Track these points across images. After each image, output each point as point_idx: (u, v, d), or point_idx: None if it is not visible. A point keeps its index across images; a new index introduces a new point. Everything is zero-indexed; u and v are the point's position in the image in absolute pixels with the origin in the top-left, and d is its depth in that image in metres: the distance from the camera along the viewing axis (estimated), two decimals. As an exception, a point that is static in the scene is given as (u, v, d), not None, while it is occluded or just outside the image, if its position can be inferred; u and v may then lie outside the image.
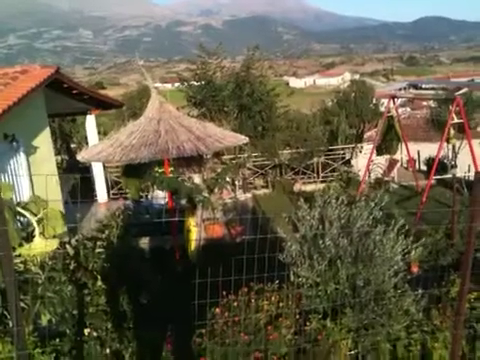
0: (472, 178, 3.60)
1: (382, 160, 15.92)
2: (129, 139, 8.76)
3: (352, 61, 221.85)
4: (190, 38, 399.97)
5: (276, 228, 6.03)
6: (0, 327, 4.32)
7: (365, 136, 21.48)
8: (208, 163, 11.02)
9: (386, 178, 15.53)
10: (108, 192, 15.15)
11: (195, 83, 18.05)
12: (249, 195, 15.31)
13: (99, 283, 5.29)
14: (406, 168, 18.06)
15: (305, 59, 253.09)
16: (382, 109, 21.21)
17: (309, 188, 15.96)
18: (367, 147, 17.56)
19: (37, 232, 3.04)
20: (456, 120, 12.01)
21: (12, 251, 2.76)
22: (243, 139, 9.84)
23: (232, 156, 15.90)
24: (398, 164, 16.87)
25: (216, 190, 10.29)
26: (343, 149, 19.02)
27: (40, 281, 4.71)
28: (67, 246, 5.46)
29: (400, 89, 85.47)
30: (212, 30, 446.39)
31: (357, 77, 74.56)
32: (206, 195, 9.74)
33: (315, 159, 17.94)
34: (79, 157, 9.63)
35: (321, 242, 5.23)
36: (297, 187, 16.47)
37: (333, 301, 4.97)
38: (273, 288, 5.41)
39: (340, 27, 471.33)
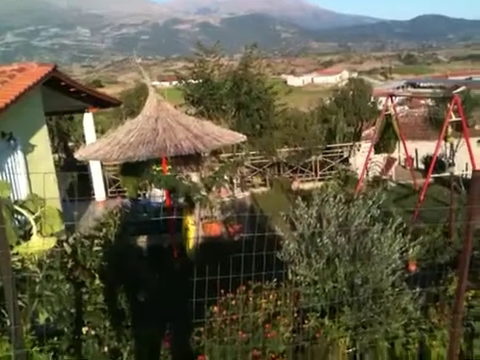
0: (470, 176, 3.62)
1: (380, 158, 15.92)
2: (127, 137, 8.75)
3: (350, 59, 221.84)
4: (188, 36, 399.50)
5: (274, 226, 6.03)
6: (-2, 326, 4.31)
7: (363, 134, 21.48)
8: (206, 161, 11.02)
9: (384, 176, 15.54)
10: (106, 190, 15.14)
11: (193, 81, 18.04)
12: (247, 193, 15.32)
13: (97, 281, 5.28)
14: (404, 166, 18.08)
15: (303, 57, 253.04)
16: (380, 107, 21.18)
17: (307, 186, 15.96)
18: (365, 145, 17.56)
19: (34, 230, 3.03)
20: (454, 118, 12.03)
21: (9, 249, 2.75)
22: (241, 137, 9.84)
23: (230, 154, 15.89)
24: (396, 162, 16.87)
25: (214, 188, 10.29)
26: (341, 147, 19.02)
27: (38, 279, 4.70)
28: (65, 244, 5.45)
29: (398, 87, 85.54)
30: (210, 28, 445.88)
31: (355, 75, 74.67)
32: (204, 193, 9.74)
33: (313, 157, 17.94)
34: (77, 155, 9.61)
35: (319, 240, 5.24)
36: (295, 185, 16.47)
37: (331, 299, 4.97)
38: (271, 286, 5.41)
39: (338, 25, 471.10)
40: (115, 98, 16.52)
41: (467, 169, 14.00)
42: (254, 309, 5.07)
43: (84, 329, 4.89)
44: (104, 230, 7.76)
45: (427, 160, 17.01)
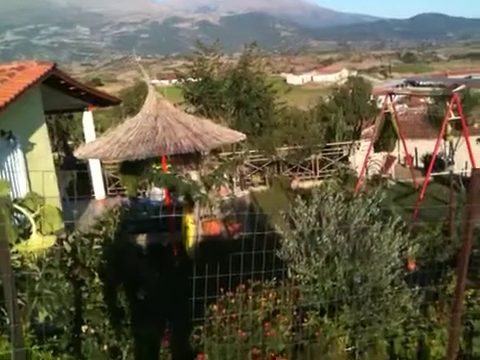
0: (469, 175, 3.61)
1: (379, 157, 15.92)
2: (126, 136, 8.75)
3: (349, 58, 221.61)
4: (187, 35, 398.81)
5: (273, 225, 6.03)
6: (-3, 324, 4.31)
7: (362, 133, 21.48)
8: (205, 160, 11.01)
9: (383, 175, 15.55)
10: (105, 189, 15.13)
11: (192, 80, 18.03)
12: (246, 192, 15.32)
13: (96, 280, 5.28)
14: (403, 165, 18.07)
15: (302, 56, 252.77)
16: (379, 106, 21.19)
17: (307, 185, 15.97)
18: (364, 144, 17.57)
19: (34, 229, 3.02)
20: (453, 117, 12.03)
21: (9, 248, 2.75)
22: (240, 136, 9.84)
23: (229, 153, 15.89)
24: (395, 161, 16.87)
25: (213, 187, 10.30)
26: (340, 146, 19.02)
27: (37, 278, 4.70)
28: (64, 243, 5.45)
29: (397, 86, 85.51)
30: (209, 27, 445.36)
31: (355, 74, 74.66)
32: (203, 192, 9.74)
33: (312, 156, 17.94)
34: (76, 154, 9.61)
35: (318, 239, 5.24)
36: (295, 184, 16.48)
37: (330, 298, 4.98)
38: (271, 285, 5.42)
39: (337, 24, 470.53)
40: (115, 97, 16.51)
41: (467, 167, 13.99)
42: (254, 308, 5.07)
43: (84, 328, 4.89)
44: (104, 229, 7.77)
45: (427, 159, 17.00)
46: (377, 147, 14.46)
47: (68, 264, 5.34)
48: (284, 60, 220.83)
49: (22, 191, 9.27)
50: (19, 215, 3.10)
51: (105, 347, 4.75)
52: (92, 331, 4.87)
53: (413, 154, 18.74)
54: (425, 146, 17.52)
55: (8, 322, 2.80)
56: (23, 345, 2.87)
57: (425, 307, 5.10)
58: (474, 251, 5.72)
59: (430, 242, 7.70)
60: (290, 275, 5.25)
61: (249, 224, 9.24)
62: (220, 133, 9.20)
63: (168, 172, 9.49)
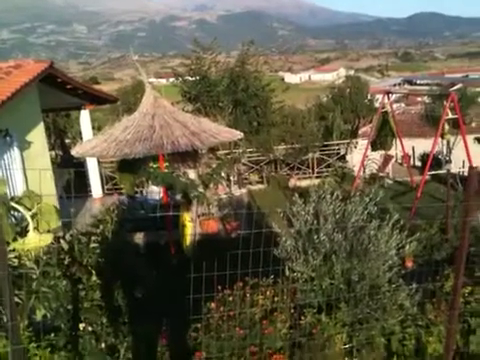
0: (466, 173, 3.62)
1: (377, 156, 15.94)
2: (124, 134, 8.74)
3: (347, 57, 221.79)
4: (185, 33, 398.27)
5: (271, 223, 6.04)
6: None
7: (360, 132, 21.52)
8: (203, 158, 11.01)
9: (381, 174, 15.56)
10: (103, 187, 15.12)
11: (190, 78, 18.01)
12: (244, 190, 15.32)
13: (94, 278, 5.28)
14: (401, 164, 18.09)
15: (300, 55, 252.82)
16: (377, 105, 21.21)
17: (304, 183, 15.97)
18: (362, 143, 17.59)
19: (31, 227, 3.02)
20: (450, 116, 12.05)
21: (6, 246, 2.75)
22: (238, 134, 9.84)
23: (227, 151, 15.89)
24: (393, 160, 16.88)
25: (211, 185, 10.29)
26: (338, 145, 19.05)
27: (35, 276, 4.70)
28: (61, 241, 5.45)
29: (395, 85, 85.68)
30: (207, 25, 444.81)
31: (352, 73, 74.55)
32: (201, 190, 9.73)
33: (310, 154, 17.96)
34: (73, 152, 9.60)
35: (316, 237, 5.25)
36: (292, 183, 16.48)
37: (328, 296, 4.98)
38: (268, 283, 5.43)
39: (335, 23, 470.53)
40: (112, 95, 16.47)
41: (464, 166, 14.02)
42: (251, 305, 5.08)
43: (81, 325, 4.89)
44: (101, 227, 7.75)
45: (424, 157, 17.03)
46: (374, 146, 14.47)
47: (65, 262, 5.34)
48: (282, 59, 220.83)
49: (19, 189, 9.26)
50: (16, 213, 3.11)
51: (102, 345, 4.75)
52: (89, 329, 4.87)
53: (410, 153, 18.77)
54: (422, 145, 17.55)
55: (5, 320, 2.79)
56: (21, 343, 2.87)
57: (422, 305, 5.11)
58: (471, 249, 5.72)
59: (427, 240, 7.71)
60: (288, 273, 5.26)
61: (247, 222, 9.26)
62: (217, 131, 9.20)
63: (165, 170, 9.48)
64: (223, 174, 11.42)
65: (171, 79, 20.11)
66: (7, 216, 2.96)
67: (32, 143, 10.25)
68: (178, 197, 10.09)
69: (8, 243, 2.90)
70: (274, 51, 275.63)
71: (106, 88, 40.80)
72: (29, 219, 3.01)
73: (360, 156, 14.85)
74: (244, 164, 17.52)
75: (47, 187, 9.99)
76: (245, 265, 4.15)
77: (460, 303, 4.39)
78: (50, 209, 3.17)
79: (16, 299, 4.14)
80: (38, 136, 10.71)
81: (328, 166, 17.65)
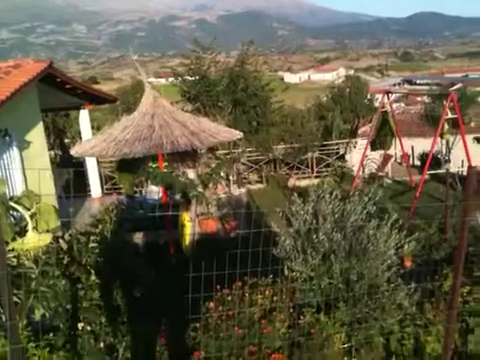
0: (465, 173, 3.62)
1: (376, 155, 15.95)
2: (123, 134, 8.74)
3: (347, 56, 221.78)
4: (184, 33, 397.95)
5: (270, 223, 6.04)
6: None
7: (359, 131, 21.53)
8: (202, 158, 11.02)
9: (380, 173, 15.56)
10: (102, 187, 15.12)
11: (189, 78, 18.00)
12: (243, 190, 15.32)
13: (93, 277, 5.28)
14: (400, 163, 18.10)
15: (300, 54, 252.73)
16: (376, 104, 21.21)
17: (303, 183, 15.98)
18: (361, 142, 17.60)
19: (30, 227, 3.02)
20: (450, 115, 12.06)
21: (5, 245, 2.75)
22: (237, 134, 9.84)
23: (226, 151, 15.89)
24: (392, 159, 16.88)
25: (210, 185, 10.28)
26: (337, 144, 19.05)
27: (33, 275, 4.70)
28: (60, 241, 5.45)
29: (394, 84, 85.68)
30: (206, 25, 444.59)
31: (352, 72, 74.52)
32: (200, 190, 9.73)
33: (309, 154, 17.97)
34: (73, 152, 9.61)
35: (315, 237, 5.25)
36: (291, 182, 16.49)
37: (327, 295, 4.99)
38: (267, 282, 5.43)
39: (334, 23, 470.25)
40: (111, 95, 16.46)
41: (463, 166, 14.04)
42: (250, 305, 5.08)
43: (80, 325, 4.89)
44: (100, 226, 7.76)
45: (423, 157, 17.03)
46: (374, 145, 14.48)
47: (64, 262, 5.34)
48: (281, 59, 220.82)
49: (18, 189, 9.25)
50: (15, 213, 3.10)
51: (101, 344, 4.75)
52: (88, 328, 4.87)
53: (410, 152, 18.78)
54: (422, 144, 17.55)
55: (4, 319, 2.79)
56: (19, 342, 2.87)
57: (421, 304, 5.12)
58: (470, 249, 5.73)
59: (426, 240, 7.72)
60: (286, 273, 5.26)
61: (246, 222, 9.25)
62: (217, 131, 9.20)
63: (165, 170, 9.48)
64: (222, 174, 11.41)
65: (170, 79, 20.10)
66: (6, 216, 2.96)
67: (31, 143, 10.25)
68: (177, 197, 10.09)
69: (7, 243, 2.90)
70: (274, 51, 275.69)
71: (105, 88, 40.82)
72: (28, 219, 3.01)
73: (359, 156, 14.85)
74: (243, 164, 17.53)
75: (46, 187, 9.99)
76: (244, 265, 4.15)
77: (459, 303, 4.39)
78: (49, 209, 3.17)
79: (15, 298, 4.14)
80: (37, 136, 10.71)
81: (327, 166, 17.65)
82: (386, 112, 13.85)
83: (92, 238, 5.91)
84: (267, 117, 18.21)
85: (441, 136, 13.04)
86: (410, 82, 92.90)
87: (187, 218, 9.69)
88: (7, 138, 9.47)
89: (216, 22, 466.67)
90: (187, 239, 9.58)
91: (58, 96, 12.26)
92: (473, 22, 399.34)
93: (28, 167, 9.65)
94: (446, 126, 12.81)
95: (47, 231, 3.12)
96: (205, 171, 10.49)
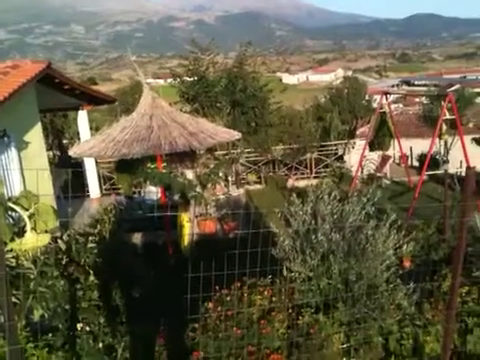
0: (464, 174, 3.63)
1: (375, 156, 15.96)
2: (121, 135, 8.74)
3: (345, 57, 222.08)
4: (182, 34, 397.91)
5: (269, 223, 6.04)
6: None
7: (358, 132, 21.51)
8: (201, 159, 11.01)
9: (379, 174, 15.58)
10: (100, 187, 15.10)
11: (188, 79, 17.99)
12: (242, 191, 15.31)
13: (91, 278, 5.28)
14: (398, 164, 18.12)
15: (298, 55, 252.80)
16: (375, 105, 21.22)
17: (302, 184, 15.98)
18: (360, 143, 17.59)
19: (28, 227, 3.02)
20: (448, 116, 12.07)
21: (3, 246, 2.74)
22: (236, 135, 9.84)
23: (225, 152, 15.89)
24: (390, 160, 16.89)
25: (209, 186, 10.28)
26: (336, 145, 19.05)
27: (32, 276, 4.69)
28: (59, 241, 5.44)
29: (393, 85, 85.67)
30: (205, 26, 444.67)
31: (350, 73, 74.80)
32: (199, 191, 9.73)
33: (308, 155, 17.97)
34: (71, 152, 9.60)
35: (314, 237, 5.25)
36: (290, 183, 16.49)
37: (326, 295, 4.99)
38: (266, 283, 5.43)
39: (333, 24, 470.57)
40: (110, 95, 16.45)
41: (461, 166, 14.05)
42: (249, 305, 5.08)
43: (79, 325, 4.89)
44: (99, 227, 7.75)
45: (422, 157, 17.04)
46: (372, 146, 14.50)
47: (63, 262, 5.34)
48: (279, 59, 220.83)
49: (16, 189, 9.23)
50: (13, 213, 3.10)
51: (100, 345, 4.74)
52: (87, 329, 4.87)
53: (408, 153, 18.80)
54: (420, 145, 17.55)
55: (3, 320, 2.79)
56: (18, 343, 2.86)
57: (420, 304, 5.12)
58: (468, 249, 5.74)
59: (425, 240, 7.74)
60: (285, 273, 5.26)
61: (245, 222, 9.24)
62: (215, 132, 9.21)
63: (163, 171, 9.48)
64: (221, 174, 11.40)
65: (169, 80, 20.10)
66: (4, 216, 2.95)
67: (29, 143, 10.24)
68: (176, 197, 10.09)
69: (6, 243, 2.90)
70: (272, 52, 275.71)
71: (104, 88, 40.76)
72: (26, 219, 3.00)
73: (358, 156, 14.86)
74: (242, 164, 17.52)
75: (45, 187, 9.98)
76: (243, 265, 4.15)
77: (457, 303, 4.39)
78: (47, 209, 3.16)
79: (13, 299, 4.13)
80: (36, 136, 10.69)
81: (326, 166, 17.65)
82: (384, 113, 13.87)
83: (91, 238, 5.90)
84: (265, 118, 18.21)
85: (439, 137, 13.06)
86: (408, 83, 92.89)
87: (186, 219, 9.69)
88: (5, 139, 9.46)
89: (214, 23, 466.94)
90: (186, 239, 9.59)
91: (56, 97, 12.24)
92: (470, 23, 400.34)
93: (26, 167, 9.63)
94: (444, 127, 12.83)
95: (46, 231, 3.12)
96: (204, 172, 10.49)
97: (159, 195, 10.18)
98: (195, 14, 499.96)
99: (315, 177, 17.12)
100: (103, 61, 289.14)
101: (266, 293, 5.32)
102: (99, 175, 15.17)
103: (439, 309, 5.02)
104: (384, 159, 15.96)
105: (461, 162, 13.57)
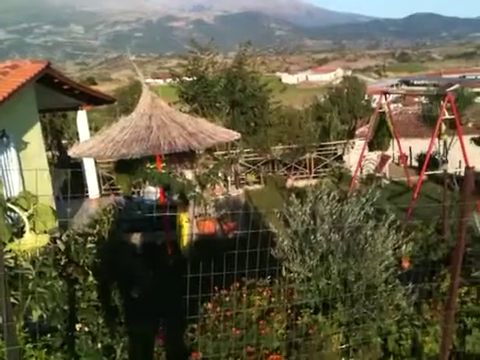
0: (463, 174, 3.63)
1: (374, 156, 15.97)
2: (121, 135, 8.74)
3: (344, 57, 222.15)
4: (182, 33, 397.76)
5: (268, 223, 6.04)
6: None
7: (357, 132, 21.51)
8: (200, 159, 11.01)
9: (378, 174, 15.58)
10: (99, 188, 15.09)
11: (187, 79, 17.99)
12: (241, 191, 15.31)
13: (90, 278, 5.27)
14: (398, 164, 18.12)
15: (297, 55, 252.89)
16: (374, 105, 21.23)
17: (301, 184, 15.97)
18: (359, 143, 17.59)
19: (27, 227, 3.01)
20: (447, 116, 12.08)
21: (2, 246, 2.74)
22: (235, 135, 9.85)
23: (224, 152, 15.88)
24: (390, 160, 16.91)
25: (208, 186, 10.29)
26: (335, 145, 19.05)
27: (31, 276, 4.69)
28: (58, 241, 5.43)
29: (392, 85, 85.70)
30: (204, 26, 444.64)
31: (349, 73, 74.76)
32: (198, 191, 9.73)
33: (307, 155, 17.96)
34: (70, 153, 9.60)
35: (313, 237, 5.25)
36: (289, 183, 16.49)
37: (324, 296, 4.99)
38: (265, 283, 5.43)
39: (332, 23, 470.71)
40: (109, 95, 16.44)
41: (460, 166, 14.05)
42: (248, 306, 5.08)
43: (77, 326, 4.88)
44: (98, 227, 7.75)
45: (421, 158, 17.04)
46: (371, 146, 14.51)
47: (62, 263, 5.33)
48: (279, 59, 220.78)
49: (15, 190, 9.23)
50: (12, 214, 3.09)
51: (99, 345, 4.74)
52: (86, 329, 4.86)
53: (407, 153, 18.80)
54: (419, 145, 17.56)
55: (1, 321, 2.79)
56: (16, 343, 2.86)
57: (419, 305, 5.13)
58: (467, 249, 5.74)
59: (424, 240, 7.74)
60: (284, 273, 5.26)
61: (244, 223, 9.25)
62: (215, 132, 9.21)
63: (162, 171, 9.48)
64: (220, 174, 11.40)
65: (168, 80, 20.12)
66: (3, 217, 2.95)
67: (29, 144, 10.23)
68: (175, 198, 10.09)
69: (4, 244, 2.90)
70: (271, 52, 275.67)
71: (103, 88, 40.75)
72: (25, 220, 3.00)
73: (357, 156, 14.86)
74: (241, 164, 17.52)
75: (44, 188, 9.96)
76: (242, 265, 4.15)
77: (456, 303, 4.39)
78: (46, 210, 3.16)
79: (12, 300, 4.12)
80: (35, 137, 10.69)
81: (325, 166, 17.65)
82: (384, 113, 13.88)
83: (90, 239, 5.90)
84: (265, 118, 18.21)
85: (438, 137, 13.07)
86: (407, 83, 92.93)
87: (185, 219, 9.70)
88: (4, 139, 9.45)
89: (214, 23, 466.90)
90: (185, 240, 9.59)
91: (56, 97, 12.23)
92: (470, 23, 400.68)
93: (25, 168, 9.63)
94: (443, 127, 12.84)
95: (44, 232, 3.12)
96: (203, 172, 10.49)
97: (158, 195, 10.18)
98: (194, 14, 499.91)
99: (314, 177, 17.12)
100: (102, 61, 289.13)
101: (265, 293, 5.33)
102: (98, 175, 15.16)
103: (438, 309, 5.02)
104: (383, 159, 15.97)
105: (460, 162, 13.58)
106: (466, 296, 5.23)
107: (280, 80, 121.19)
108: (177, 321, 4.93)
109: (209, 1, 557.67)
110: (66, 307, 4.96)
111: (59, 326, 4.76)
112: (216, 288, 5.03)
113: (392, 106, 20.59)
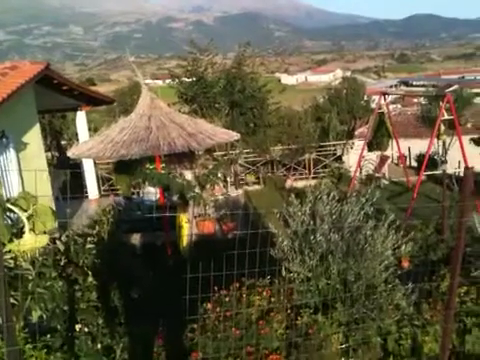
0: (462, 174, 3.63)
1: (373, 156, 15.97)
2: (120, 135, 8.74)
3: (343, 58, 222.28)
4: (181, 34, 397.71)
5: (268, 224, 6.04)
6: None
7: (356, 132, 21.52)
8: (200, 159, 11.01)
9: (377, 174, 15.59)
10: (99, 188, 15.08)
11: (186, 79, 18.00)
12: (241, 191, 15.32)
13: (90, 279, 5.27)
14: (397, 164, 18.13)
15: (297, 56, 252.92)
16: (373, 106, 21.25)
17: (301, 184, 15.98)
18: (358, 143, 17.61)
19: (27, 228, 3.01)
20: (446, 117, 12.09)
21: (2, 247, 2.74)
22: (234, 135, 9.86)
23: (224, 152, 15.88)
24: (389, 160, 16.92)
25: (208, 186, 10.29)
26: (334, 145, 19.06)
27: (30, 277, 4.69)
28: (57, 242, 5.43)
29: (391, 86, 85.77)
30: (203, 26, 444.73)
31: (348, 74, 74.84)
32: (198, 191, 9.74)
33: (306, 155, 17.97)
34: (70, 153, 9.60)
35: (312, 237, 5.25)
36: (288, 183, 16.49)
37: (324, 296, 4.99)
38: (265, 283, 5.43)
39: (331, 24, 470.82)
40: (108, 96, 16.44)
41: (459, 167, 14.06)
42: (248, 306, 5.08)
43: (77, 326, 4.88)
44: (97, 228, 7.75)
45: (420, 158, 17.05)
46: (371, 146, 14.52)
47: (61, 263, 5.33)
48: (278, 60, 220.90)
49: (15, 190, 9.22)
50: (12, 214, 3.09)
51: (99, 346, 4.74)
52: (86, 330, 4.86)
53: (406, 153, 18.81)
54: (418, 145, 17.57)
55: (1, 321, 2.78)
56: (16, 344, 2.86)
57: (418, 305, 5.13)
58: (467, 249, 5.74)
59: (423, 240, 7.74)
60: (284, 273, 5.26)
61: (243, 223, 9.26)
62: (214, 133, 9.21)
63: (162, 171, 9.48)
64: (220, 175, 11.41)
65: (168, 80, 20.10)
66: (3, 217, 2.95)
67: (28, 144, 10.22)
68: (175, 198, 10.09)
69: (4, 244, 2.89)
70: (271, 52, 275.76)
71: (102, 89, 40.82)
72: (25, 220, 3.00)
73: (356, 157, 14.87)
74: (241, 165, 17.52)
75: (43, 188, 9.96)
76: (242, 266, 4.15)
77: (456, 303, 4.40)
78: (46, 210, 3.16)
79: (12, 300, 4.12)
80: (34, 137, 10.68)
81: (324, 167, 17.67)
82: (383, 113, 13.89)
83: (89, 239, 5.90)
84: (264, 118, 18.22)
85: (437, 137, 13.08)
86: (407, 84, 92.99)
87: (184, 219, 9.70)
88: (4, 140, 9.45)
89: (213, 24, 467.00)
90: (184, 240, 9.59)
91: (55, 98, 12.23)
92: (469, 24, 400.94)
93: (25, 169, 9.62)
94: (442, 127, 12.85)
95: (44, 232, 3.12)
96: (202, 172, 10.49)
97: (158, 196, 10.18)
98: (194, 15, 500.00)
99: (314, 177, 17.13)
100: (102, 62, 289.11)
101: (265, 293, 5.33)
102: (98, 176, 15.15)
103: (437, 309, 5.02)
104: (382, 159, 15.98)
105: (459, 162, 13.59)
106: (466, 296, 5.24)
107: (279, 81, 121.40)
108: (177, 321, 4.93)
109: (208, 2, 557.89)
110: (66, 307, 4.96)
111: (59, 326, 4.75)
112: (216, 288, 5.04)
113: (391, 107, 20.63)
